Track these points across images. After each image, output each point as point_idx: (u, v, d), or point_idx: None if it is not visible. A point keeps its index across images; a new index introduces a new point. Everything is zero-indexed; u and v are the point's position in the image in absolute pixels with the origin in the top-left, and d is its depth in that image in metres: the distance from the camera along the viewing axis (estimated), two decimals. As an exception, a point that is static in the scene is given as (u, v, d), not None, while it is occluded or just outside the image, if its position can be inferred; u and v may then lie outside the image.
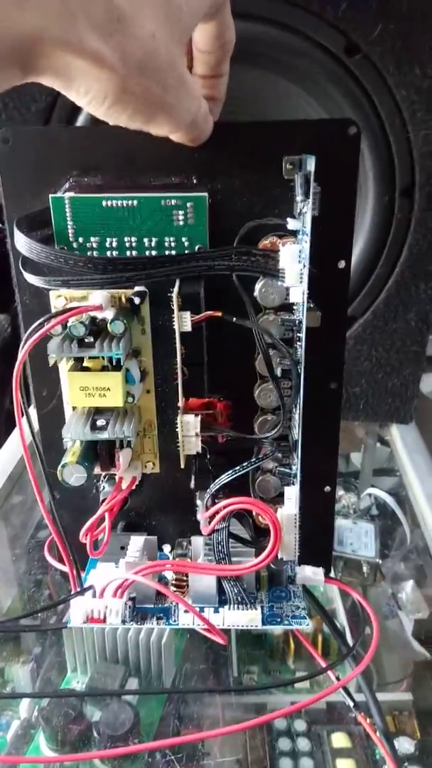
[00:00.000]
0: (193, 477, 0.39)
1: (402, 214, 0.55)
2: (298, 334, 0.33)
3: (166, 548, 0.42)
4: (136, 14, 0.23)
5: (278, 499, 0.40)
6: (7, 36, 0.20)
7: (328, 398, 0.38)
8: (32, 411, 0.40)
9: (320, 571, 0.39)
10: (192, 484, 0.39)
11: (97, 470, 0.36)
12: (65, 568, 0.41)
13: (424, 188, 0.53)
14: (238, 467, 0.34)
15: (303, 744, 0.48)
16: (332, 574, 0.61)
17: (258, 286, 0.34)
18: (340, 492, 0.80)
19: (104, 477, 0.39)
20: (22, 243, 0.31)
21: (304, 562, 0.40)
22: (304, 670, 0.52)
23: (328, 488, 0.40)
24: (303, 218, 0.31)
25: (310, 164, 0.29)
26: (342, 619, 0.56)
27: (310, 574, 0.39)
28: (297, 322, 0.33)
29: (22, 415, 0.34)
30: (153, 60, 0.24)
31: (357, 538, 0.71)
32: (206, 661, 0.52)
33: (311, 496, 0.38)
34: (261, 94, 0.52)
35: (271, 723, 0.49)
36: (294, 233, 0.34)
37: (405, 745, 0.47)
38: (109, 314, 0.32)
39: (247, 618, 0.35)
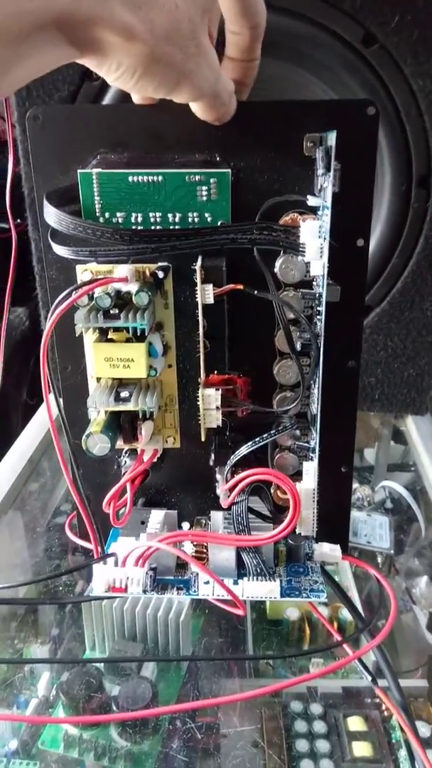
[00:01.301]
0: (212, 453, 0.40)
1: (418, 204, 0.55)
2: (318, 308, 0.34)
3: (185, 526, 0.43)
4: None
5: (296, 477, 0.40)
6: (47, 13, 0.21)
7: (346, 376, 0.38)
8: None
9: (337, 548, 0.39)
10: (212, 461, 0.40)
11: (119, 444, 0.36)
12: (86, 544, 0.42)
13: (441, 177, 0.54)
14: (257, 438, 0.35)
15: (319, 726, 0.48)
16: (348, 564, 0.61)
17: (278, 262, 0.35)
18: (354, 485, 0.80)
19: (126, 452, 0.40)
20: (52, 215, 0.32)
21: (321, 540, 0.40)
22: (319, 655, 0.52)
23: (345, 468, 0.41)
24: (323, 193, 0.31)
25: (331, 139, 0.30)
26: (357, 603, 0.56)
27: (328, 550, 0.39)
28: (318, 295, 0.33)
29: (50, 389, 0.35)
30: (177, 29, 0.25)
31: (372, 529, 0.71)
32: (223, 645, 0.53)
33: (328, 476, 0.39)
34: (279, 84, 0.53)
35: (287, 705, 0.49)
36: (314, 210, 0.34)
37: (422, 729, 0.47)
38: (133, 287, 0.33)
39: (266, 589, 0.36)
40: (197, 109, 0.31)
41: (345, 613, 0.51)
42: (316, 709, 0.49)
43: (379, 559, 0.70)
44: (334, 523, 0.41)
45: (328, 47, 0.51)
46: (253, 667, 0.53)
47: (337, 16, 0.50)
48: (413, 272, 0.58)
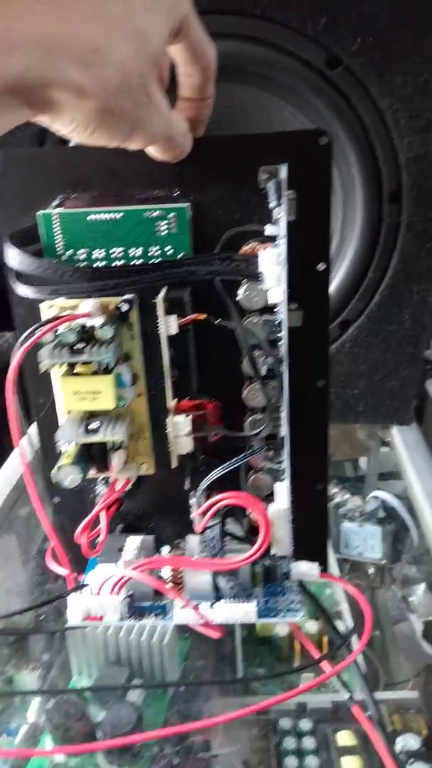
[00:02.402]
0: (187, 478, 0.40)
1: (391, 219, 0.56)
2: (280, 335, 0.35)
3: (165, 549, 0.43)
4: (109, 43, 0.25)
5: (271, 497, 0.41)
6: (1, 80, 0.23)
7: (316, 396, 0.39)
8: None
9: (315, 566, 0.40)
10: (186, 485, 0.40)
11: (92, 473, 0.37)
12: (62, 570, 0.43)
13: (411, 193, 0.54)
14: (226, 463, 0.35)
15: (308, 743, 0.48)
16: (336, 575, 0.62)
17: (241, 290, 0.35)
18: (346, 495, 0.80)
19: (101, 480, 0.40)
20: (13, 256, 0.33)
21: (302, 558, 0.40)
22: (309, 670, 0.53)
23: (320, 485, 0.41)
24: (279, 223, 0.32)
25: (283, 172, 0.31)
26: (348, 620, 0.56)
27: (305, 569, 0.39)
28: (277, 322, 0.34)
29: (20, 424, 0.36)
30: (128, 83, 0.26)
31: (363, 540, 0.72)
32: (211, 664, 0.53)
33: (304, 494, 0.39)
34: (247, 109, 0.54)
35: (276, 722, 0.50)
36: (273, 239, 0.35)
37: (411, 741, 0.47)
38: (98, 321, 0.34)
39: (242, 611, 0.36)
40: (152, 152, 0.31)
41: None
42: (305, 725, 0.50)
43: (371, 570, 0.70)
44: (312, 540, 0.42)
45: (293, 71, 0.52)
46: (242, 685, 0.53)
47: (300, 40, 0.51)
48: (390, 285, 0.59)
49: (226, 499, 0.35)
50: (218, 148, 0.34)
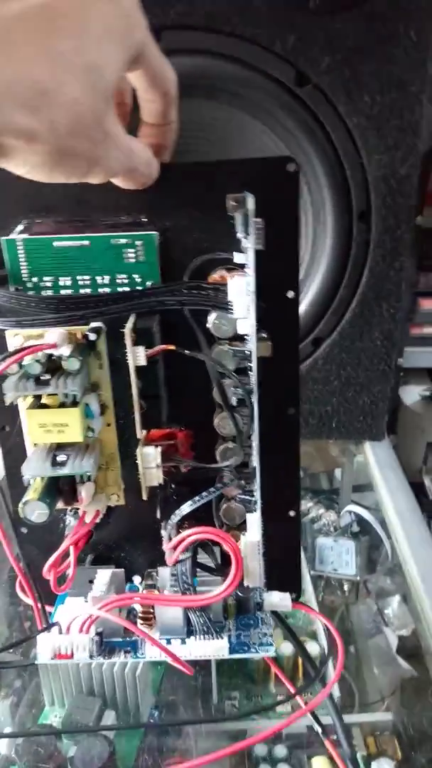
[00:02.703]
0: (158, 508, 0.39)
1: (360, 237, 0.56)
2: (250, 364, 0.34)
3: (137, 579, 0.42)
4: (58, 84, 0.24)
5: (244, 526, 0.40)
6: None
7: (287, 424, 0.38)
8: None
9: (287, 596, 0.39)
10: (157, 515, 0.39)
11: (60, 505, 0.36)
12: (30, 601, 0.41)
13: (380, 211, 0.54)
14: (197, 497, 0.34)
15: (283, 769, 0.48)
16: (313, 594, 0.61)
17: (211, 318, 0.35)
18: (320, 510, 0.80)
19: (70, 511, 0.39)
20: (-26, 286, 0.32)
21: (273, 587, 0.40)
22: (285, 694, 0.52)
23: (292, 513, 0.41)
24: (246, 253, 0.32)
25: (250, 202, 0.30)
26: (322, 640, 0.56)
27: (277, 600, 0.39)
28: (246, 352, 0.33)
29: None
30: (79, 122, 0.25)
31: (338, 556, 0.72)
32: (186, 690, 0.52)
33: (276, 521, 0.39)
34: (217, 126, 0.54)
35: (251, 749, 0.49)
36: (241, 266, 0.34)
37: (385, 766, 0.47)
38: (65, 351, 0.33)
39: (213, 648, 0.35)
40: (116, 182, 0.31)
41: (312, 647, 0.50)
42: (280, 751, 0.49)
43: (347, 587, 0.70)
44: (284, 568, 0.41)
45: (262, 88, 0.51)
46: (218, 708, 0.53)
47: (270, 58, 0.50)
48: (360, 303, 0.59)
49: (196, 534, 0.34)
50: (185, 175, 0.34)
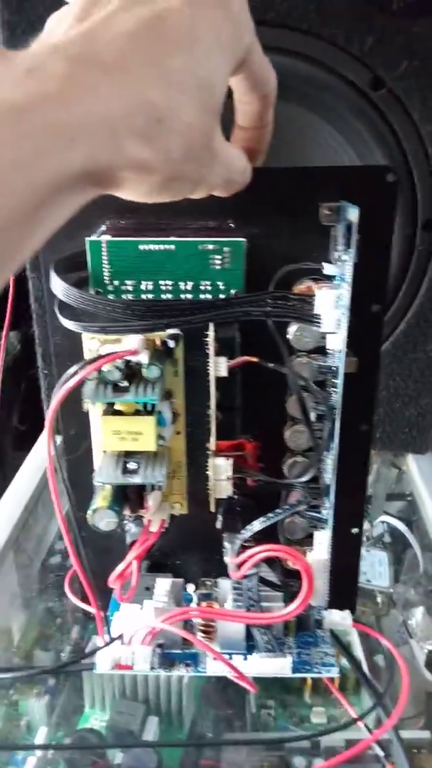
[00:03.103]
0: (220, 517, 0.38)
1: (423, 247, 0.55)
2: (333, 380, 0.33)
3: (190, 588, 0.42)
4: (174, 109, 0.23)
5: (305, 540, 0.39)
6: (62, 177, 0.20)
7: (359, 440, 0.37)
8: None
9: (348, 615, 0.39)
10: (219, 525, 0.39)
11: (126, 512, 0.35)
12: (87, 607, 0.41)
13: (447, 222, 0.53)
14: (271, 514, 0.34)
15: (318, 787, 0.47)
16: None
17: (292, 329, 0.34)
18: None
19: (131, 517, 0.38)
20: (59, 287, 0.31)
21: (329, 604, 0.39)
22: (320, 704, 0.52)
23: (355, 530, 0.40)
24: (342, 266, 0.30)
25: (353, 214, 0.29)
26: (357, 651, 0.55)
27: (338, 618, 0.38)
28: (334, 368, 0.32)
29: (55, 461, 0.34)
30: (192, 148, 0.24)
31: (370, 566, 0.71)
32: (224, 698, 0.52)
33: (338, 538, 0.38)
34: (285, 125, 0.52)
35: (289, 761, 0.49)
36: (329, 278, 0.33)
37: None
38: (143, 358, 0.32)
39: (277, 666, 0.35)
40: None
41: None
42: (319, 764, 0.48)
43: (380, 598, 0.69)
44: (342, 586, 0.40)
45: (335, 90, 0.50)
46: (255, 717, 0.52)
47: (346, 59, 0.49)
48: (417, 314, 0.58)
49: (267, 551, 0.33)
50: (277, 180, 0.33)
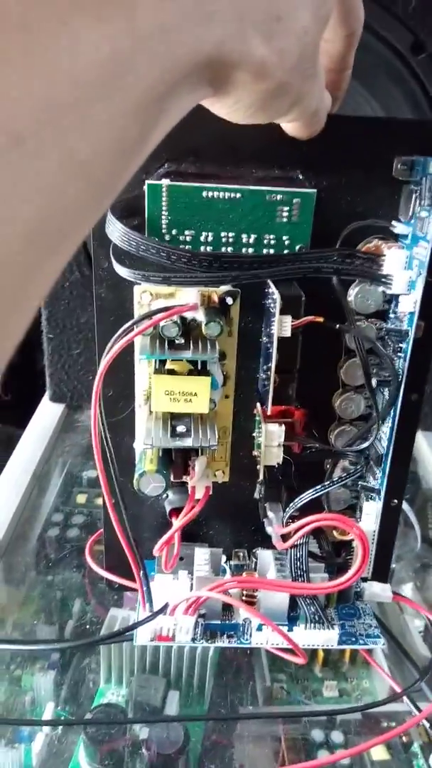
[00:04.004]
0: (261, 487, 0.37)
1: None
2: (399, 345, 0.32)
3: (222, 558, 0.40)
4: (292, 8, 0.21)
5: (347, 511, 0.38)
6: (195, 59, 0.18)
7: (409, 409, 0.36)
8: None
9: (388, 587, 0.38)
10: (258, 494, 0.37)
11: (170, 478, 0.33)
12: (115, 578, 0.39)
13: None
14: (326, 482, 0.32)
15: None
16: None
17: (353, 291, 0.32)
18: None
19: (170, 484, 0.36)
20: (117, 231, 0.28)
21: (365, 577, 0.38)
22: (332, 678, 0.51)
23: (395, 501, 0.39)
24: (422, 223, 0.29)
25: (440, 168, 0.28)
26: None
27: (379, 590, 0.38)
28: (403, 332, 0.31)
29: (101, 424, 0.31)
30: (303, 55, 0.22)
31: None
32: (236, 671, 0.51)
33: (382, 510, 0.37)
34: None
35: (308, 734, 0.48)
36: (396, 237, 0.32)
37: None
38: (200, 315, 0.30)
39: (323, 638, 0.34)
40: (291, 127, 0.27)
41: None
42: (337, 737, 0.48)
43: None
44: (380, 558, 0.40)
45: (374, 51, 0.48)
46: (268, 690, 0.52)
47: (387, 20, 0.47)
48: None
49: (321, 520, 0.32)
50: (352, 130, 0.31)
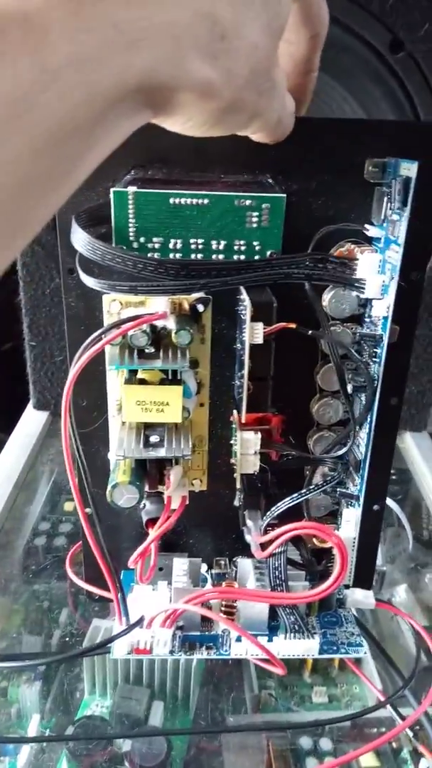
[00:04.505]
0: (239, 494, 0.36)
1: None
2: (374, 350, 0.31)
3: (203, 567, 0.40)
4: (239, 25, 0.20)
5: (328, 518, 0.38)
6: (122, 88, 0.17)
7: (388, 414, 0.36)
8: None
9: (370, 594, 0.37)
10: (237, 502, 0.37)
11: (144, 489, 0.33)
12: (94, 589, 0.39)
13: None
14: (303, 490, 0.32)
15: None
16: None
17: (327, 295, 0.32)
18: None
19: (146, 495, 0.36)
20: (82, 241, 0.28)
21: (347, 584, 0.38)
22: (321, 684, 0.51)
23: (376, 507, 0.39)
24: (393, 226, 0.29)
25: (411, 170, 0.27)
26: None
27: (361, 597, 0.37)
28: (377, 336, 0.31)
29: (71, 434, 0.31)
30: (255, 70, 0.21)
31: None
32: (225, 678, 0.50)
33: (361, 515, 0.37)
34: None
35: (295, 742, 0.48)
36: (370, 241, 0.31)
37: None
38: (170, 323, 0.30)
39: (303, 648, 0.33)
40: (255, 137, 0.27)
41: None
42: (325, 744, 0.48)
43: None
44: (362, 564, 0.39)
45: (352, 51, 0.48)
46: (255, 698, 0.51)
47: (365, 18, 0.47)
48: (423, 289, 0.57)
49: (299, 528, 0.32)
50: (322, 132, 0.30)
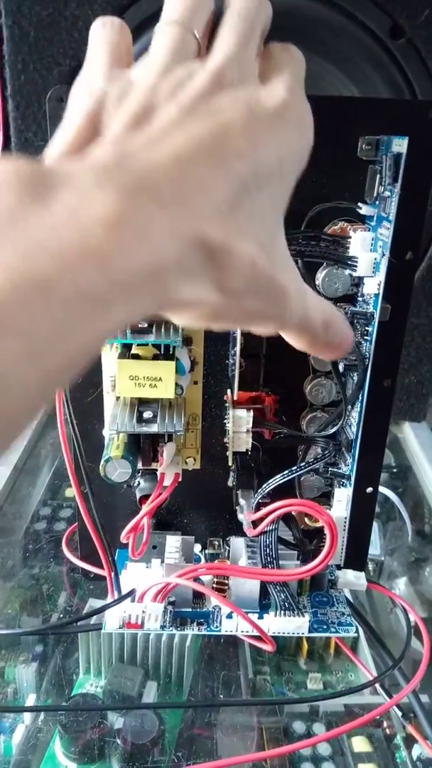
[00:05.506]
0: (233, 474, 0.37)
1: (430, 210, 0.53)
2: (366, 328, 0.31)
3: (197, 547, 0.40)
4: (232, 244, 0.18)
5: (321, 499, 0.38)
6: (90, 342, 0.16)
7: (381, 395, 0.36)
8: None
9: (362, 575, 0.38)
10: (231, 482, 0.37)
11: (137, 465, 0.33)
12: (89, 567, 0.39)
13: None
14: (294, 468, 0.32)
15: (323, 749, 0.46)
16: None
17: (321, 274, 0.32)
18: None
19: (140, 472, 0.36)
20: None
21: (338, 564, 0.38)
22: (316, 670, 0.51)
23: (370, 489, 0.39)
24: (385, 204, 0.29)
25: (401, 146, 0.27)
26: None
27: (353, 578, 0.37)
28: (368, 314, 0.31)
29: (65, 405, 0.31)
30: (253, 285, 0.19)
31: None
32: (220, 662, 0.50)
33: (354, 497, 0.37)
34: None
35: (288, 727, 0.48)
36: (362, 219, 0.32)
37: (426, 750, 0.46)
38: (164, 298, 0.30)
39: (294, 625, 0.33)
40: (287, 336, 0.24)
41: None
42: (318, 729, 0.48)
43: (371, 566, 0.69)
44: (355, 546, 0.39)
45: (353, 37, 0.48)
46: (251, 682, 0.51)
47: (365, 4, 0.47)
48: (423, 277, 0.57)
49: (289, 505, 0.32)
50: (316, 110, 0.30)
